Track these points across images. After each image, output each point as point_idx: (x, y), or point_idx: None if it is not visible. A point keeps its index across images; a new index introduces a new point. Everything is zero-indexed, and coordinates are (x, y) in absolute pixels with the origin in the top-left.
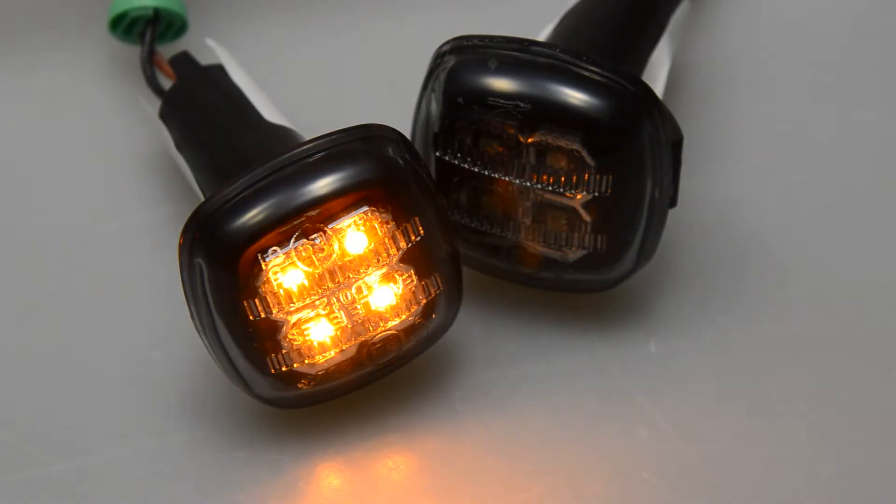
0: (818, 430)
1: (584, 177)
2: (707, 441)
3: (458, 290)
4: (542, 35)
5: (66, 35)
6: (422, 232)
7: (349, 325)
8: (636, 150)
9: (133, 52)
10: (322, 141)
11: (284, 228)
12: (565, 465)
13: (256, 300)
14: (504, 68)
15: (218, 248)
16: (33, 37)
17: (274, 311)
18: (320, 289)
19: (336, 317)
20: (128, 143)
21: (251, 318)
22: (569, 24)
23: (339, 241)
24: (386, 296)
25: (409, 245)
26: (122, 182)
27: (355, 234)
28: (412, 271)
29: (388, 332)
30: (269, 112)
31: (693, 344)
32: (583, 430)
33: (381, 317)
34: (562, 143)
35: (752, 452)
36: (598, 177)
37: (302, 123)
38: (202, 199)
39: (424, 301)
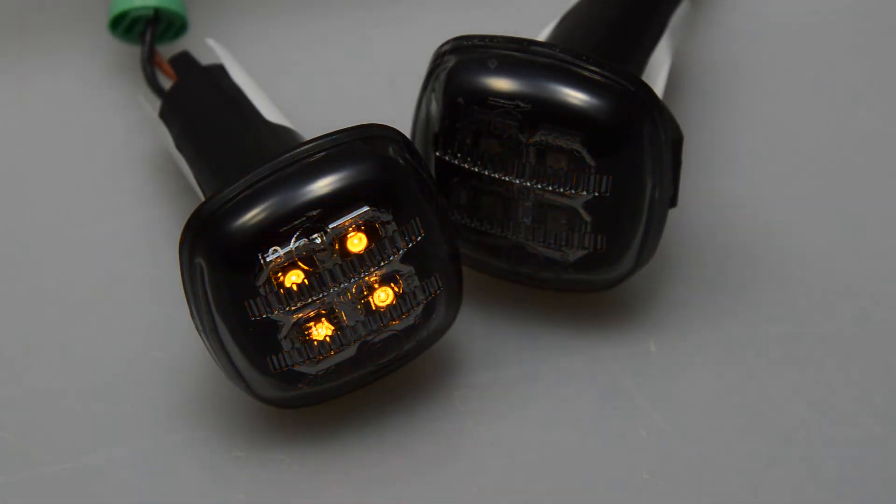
0: (818, 430)
1: (584, 177)
2: (707, 441)
3: (459, 290)
4: (542, 35)
5: (66, 35)
6: (422, 232)
7: (349, 325)
8: (636, 150)
9: (133, 52)
10: (322, 141)
11: (285, 228)
12: (565, 465)
13: (257, 300)
14: (504, 68)
15: (218, 247)
16: (33, 37)
17: (274, 311)
18: (321, 289)
19: (336, 317)
20: (128, 143)
21: (251, 318)
22: (569, 24)
23: (340, 241)
24: (386, 296)
25: (410, 245)
26: (122, 182)
27: (356, 234)
28: (412, 271)
29: (389, 332)
30: (270, 112)
31: (693, 344)
32: (583, 430)
33: (382, 317)
34: (562, 143)
35: (751, 452)
36: (598, 177)
37: (302, 123)
38: (202, 198)
39: (425, 301)
